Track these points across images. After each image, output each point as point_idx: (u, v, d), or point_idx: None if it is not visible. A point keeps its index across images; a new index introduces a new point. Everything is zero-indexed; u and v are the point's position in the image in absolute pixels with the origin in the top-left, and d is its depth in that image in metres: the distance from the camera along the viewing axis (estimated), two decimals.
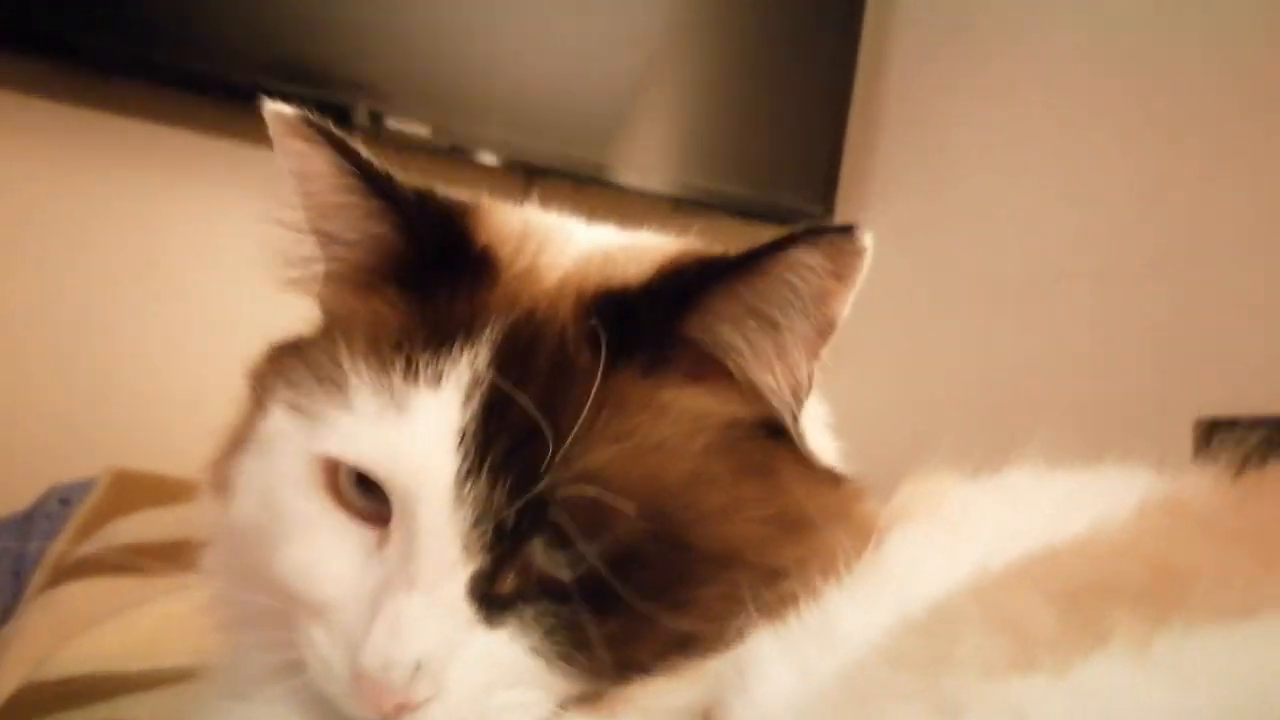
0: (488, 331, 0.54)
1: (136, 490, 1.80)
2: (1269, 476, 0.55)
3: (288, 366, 0.58)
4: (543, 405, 0.52)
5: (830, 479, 0.58)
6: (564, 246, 0.62)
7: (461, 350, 0.54)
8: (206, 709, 0.61)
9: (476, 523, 0.51)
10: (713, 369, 0.56)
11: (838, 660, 0.48)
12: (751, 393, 0.57)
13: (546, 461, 0.51)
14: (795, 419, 0.58)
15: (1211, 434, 1.42)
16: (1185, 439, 1.36)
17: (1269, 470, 0.55)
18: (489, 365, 0.53)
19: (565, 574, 0.51)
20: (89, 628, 1.24)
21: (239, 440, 0.60)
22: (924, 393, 2.00)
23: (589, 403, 0.52)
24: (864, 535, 0.55)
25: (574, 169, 2.31)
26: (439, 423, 0.52)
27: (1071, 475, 0.59)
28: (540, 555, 0.51)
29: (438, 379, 0.53)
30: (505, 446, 0.51)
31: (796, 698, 0.48)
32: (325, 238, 0.60)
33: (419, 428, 0.52)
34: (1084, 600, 0.44)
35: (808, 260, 0.54)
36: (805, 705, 0.48)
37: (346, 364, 0.54)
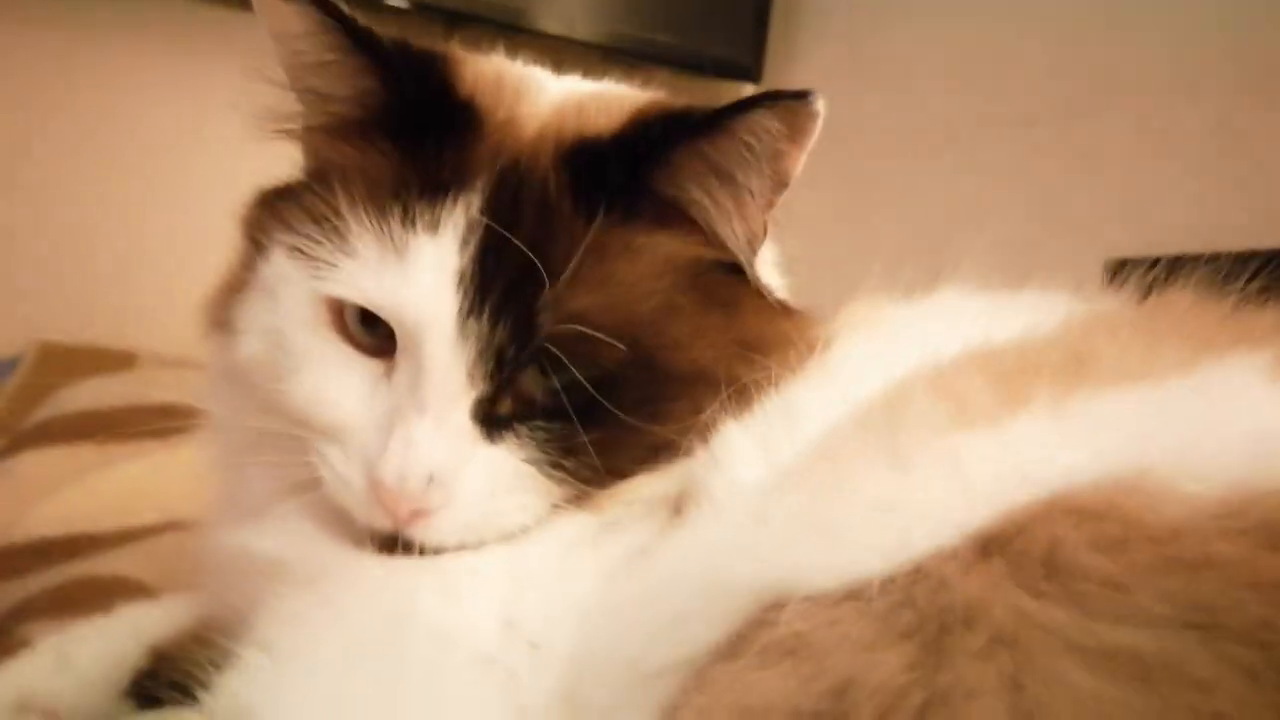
0: (479, 181, 0.59)
1: (68, 361, 1.80)
2: (1167, 298, 0.62)
3: (285, 212, 0.62)
4: (534, 249, 0.58)
5: (782, 309, 0.65)
6: (538, 95, 0.66)
7: (456, 198, 0.59)
8: (222, 533, 0.66)
9: (478, 356, 0.57)
10: (677, 216, 0.62)
11: (801, 435, 0.57)
12: (713, 239, 0.63)
13: (540, 301, 0.57)
14: (750, 264, 0.64)
15: (1119, 272, 1.50)
16: (1096, 278, 1.44)
17: (1168, 294, 0.62)
18: (482, 212, 0.58)
19: (554, 396, 0.58)
20: (54, 492, 1.27)
21: (237, 284, 0.65)
22: (853, 239, 2.06)
23: (574, 249, 0.58)
24: (814, 351, 0.62)
25: (495, 15, 2.27)
26: (438, 266, 0.57)
27: (998, 296, 0.65)
28: (532, 381, 0.58)
29: (435, 225, 0.58)
30: (501, 287, 0.57)
31: (764, 467, 0.57)
32: (311, 94, 0.64)
33: (420, 271, 0.57)
34: (1014, 377, 0.52)
35: (766, 123, 0.59)
36: (773, 473, 0.56)
37: (346, 211, 0.59)
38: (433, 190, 0.59)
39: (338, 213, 0.60)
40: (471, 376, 0.58)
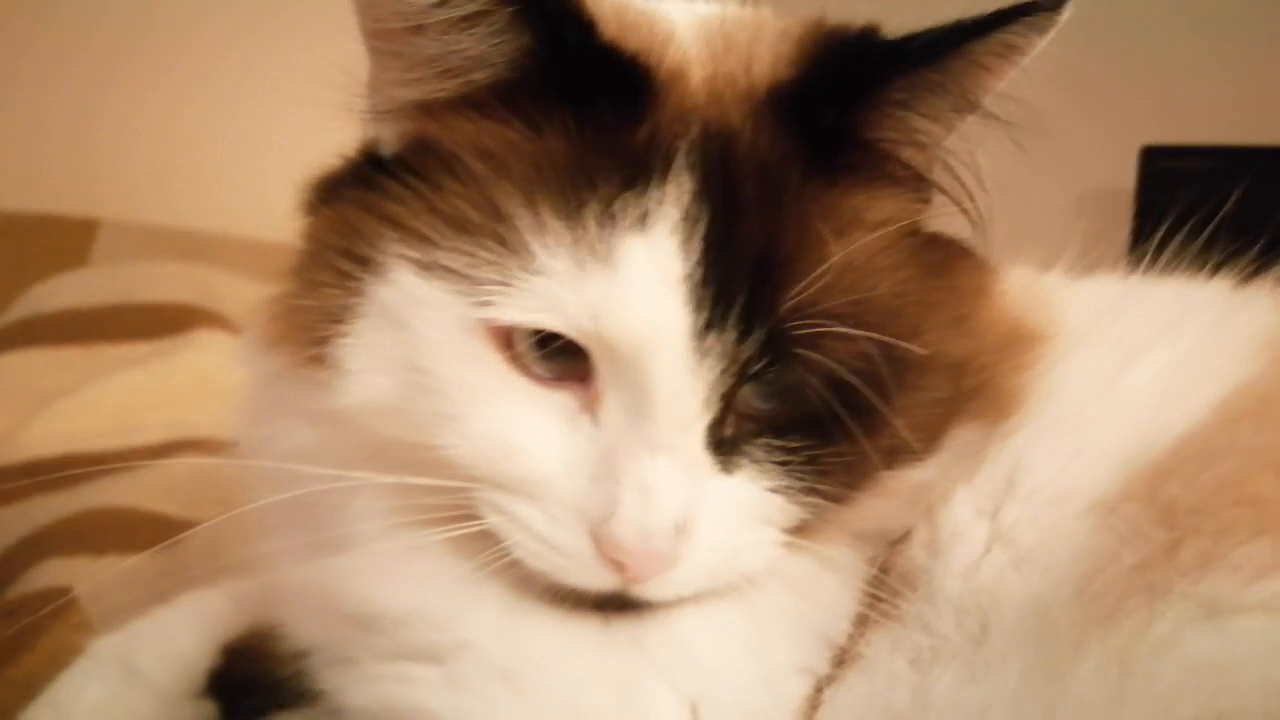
0: (680, 156, 0.48)
1: (24, 231, 1.69)
2: None
3: (398, 215, 0.50)
4: (768, 235, 0.48)
5: (979, 268, 0.55)
6: (671, 27, 0.54)
7: (661, 182, 0.47)
8: (310, 569, 0.55)
9: (719, 375, 0.48)
10: (892, 169, 0.52)
11: (1049, 527, 0.49)
12: (925, 192, 0.53)
13: (786, 298, 0.47)
14: (979, 221, 0.53)
15: (1154, 160, 1.45)
16: (1131, 164, 1.40)
17: None
18: (696, 198, 0.48)
19: (785, 408, 0.49)
20: (47, 406, 1.19)
21: (329, 312, 0.52)
22: None
23: (809, 226, 0.48)
24: (1018, 342, 0.54)
25: None
26: (658, 271, 0.47)
27: (1161, 287, 0.59)
28: (751, 393, 0.49)
29: (642, 220, 0.47)
30: (736, 288, 0.47)
31: (999, 567, 0.50)
32: (434, 61, 0.50)
33: (637, 280, 0.47)
34: None
35: (1019, 41, 0.49)
36: (1009, 571, 0.49)
37: (514, 212, 0.47)
38: (630, 174, 0.47)
39: (499, 214, 0.48)
40: (708, 400, 0.48)
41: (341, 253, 0.52)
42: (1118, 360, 0.54)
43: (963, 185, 0.52)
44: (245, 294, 1.44)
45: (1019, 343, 0.54)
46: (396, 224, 0.50)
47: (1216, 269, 0.62)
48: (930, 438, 0.51)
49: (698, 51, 0.53)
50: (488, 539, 0.50)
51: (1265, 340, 0.54)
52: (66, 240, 1.74)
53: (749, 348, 0.47)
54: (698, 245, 0.47)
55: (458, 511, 0.50)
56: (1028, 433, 0.53)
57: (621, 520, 0.47)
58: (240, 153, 2.09)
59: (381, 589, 0.52)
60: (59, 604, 0.83)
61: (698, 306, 0.47)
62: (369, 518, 0.53)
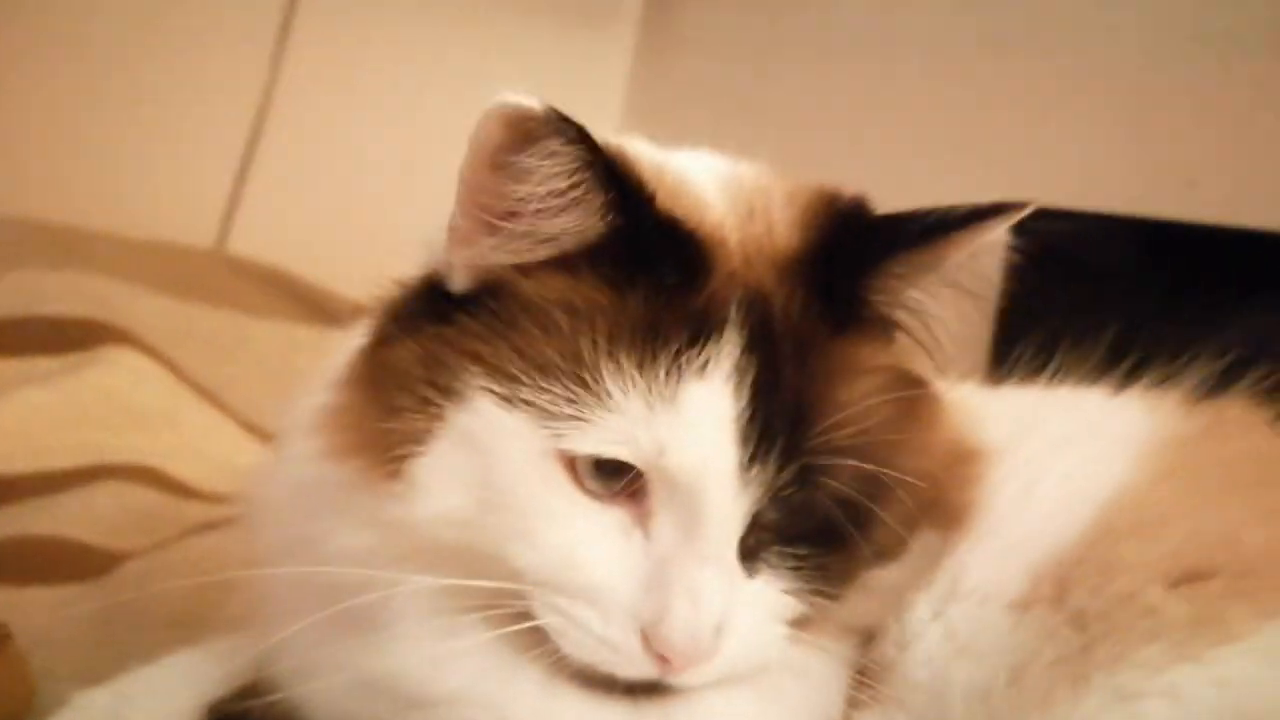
0: (731, 315, 0.56)
1: None
2: (1227, 414, 0.67)
3: (478, 350, 0.57)
4: (799, 383, 0.56)
5: (935, 399, 0.64)
6: (699, 191, 0.62)
7: (718, 337, 0.56)
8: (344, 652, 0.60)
9: (757, 500, 0.56)
10: (888, 324, 0.61)
11: (980, 622, 0.59)
12: (916, 348, 0.62)
13: (811, 437, 0.56)
14: (944, 372, 0.64)
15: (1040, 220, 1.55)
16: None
17: (1225, 406, 0.68)
18: (744, 351, 0.56)
19: (799, 524, 0.58)
20: None
21: (409, 433, 0.57)
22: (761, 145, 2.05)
23: (831, 376, 0.57)
24: (963, 460, 0.64)
25: None
26: (715, 413, 0.55)
27: (1055, 398, 0.71)
28: (771, 508, 0.57)
29: (703, 369, 0.55)
30: (774, 429, 0.55)
31: (947, 657, 0.59)
32: (527, 234, 0.57)
33: (698, 421, 0.55)
34: (1196, 590, 0.56)
35: (996, 238, 0.59)
36: (954, 660, 0.59)
37: (591, 358, 0.55)
38: (692, 332, 0.56)
39: (580, 360, 0.55)
40: (744, 520, 0.57)
41: (425, 382, 0.58)
42: (1027, 473, 0.65)
43: (937, 340, 0.63)
44: (148, 307, 1.44)
45: (962, 460, 0.65)
46: (479, 360, 0.57)
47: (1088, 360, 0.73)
48: (900, 543, 0.61)
49: (728, 216, 0.61)
50: (535, 633, 0.57)
51: (1138, 448, 0.64)
52: None
53: (784, 478, 0.56)
54: (746, 391, 0.56)
55: (510, 609, 0.57)
56: (969, 541, 0.63)
57: (673, 622, 0.55)
58: (130, 152, 2.04)
59: (429, 671, 0.59)
60: None
61: (744, 443, 0.55)
62: (413, 608, 0.59)
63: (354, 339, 0.63)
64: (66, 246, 1.67)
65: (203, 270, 1.82)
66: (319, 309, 1.91)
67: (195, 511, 1.09)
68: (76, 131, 2.01)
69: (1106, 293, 1.44)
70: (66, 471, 1.11)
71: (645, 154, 0.63)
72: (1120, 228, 1.53)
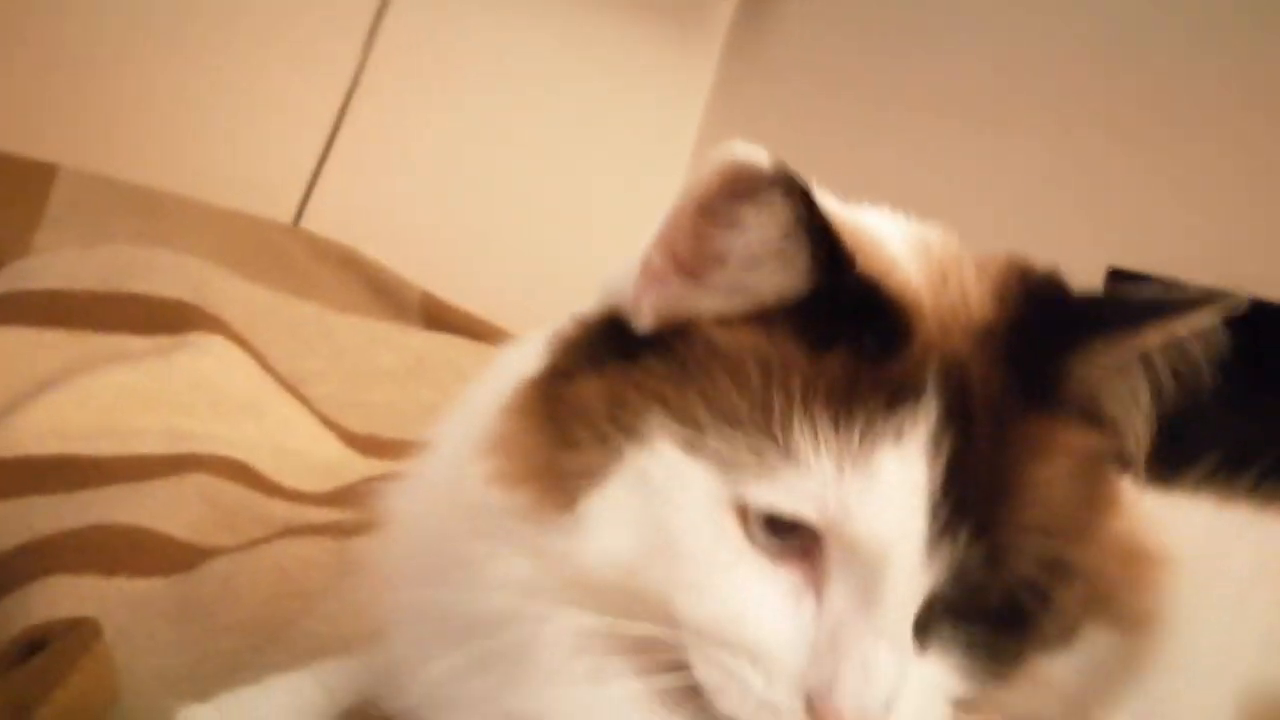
0: (929, 384, 0.55)
1: None
2: None
3: (664, 393, 0.56)
4: (993, 460, 0.55)
5: (1116, 485, 0.62)
6: (899, 258, 0.61)
7: (914, 406, 0.54)
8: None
9: (941, 576, 0.54)
10: (1086, 404, 0.59)
11: None
12: (1115, 433, 0.60)
13: (1002, 516, 0.54)
14: (1142, 464, 0.62)
15: (1120, 282, 1.54)
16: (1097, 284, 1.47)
17: None
18: (941, 421, 0.55)
19: (976, 601, 0.55)
20: (37, 395, 1.17)
21: (584, 468, 0.56)
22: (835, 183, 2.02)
23: (1025, 454, 0.55)
24: (1141, 560, 0.61)
25: None
26: (908, 482, 0.53)
27: (1242, 516, 0.68)
28: (954, 586, 0.55)
29: (899, 436, 0.54)
30: (967, 503, 0.54)
31: None
32: (728, 285, 0.56)
33: (891, 488, 0.53)
34: None
35: (1206, 327, 0.57)
36: None
37: (784, 414, 0.54)
38: (891, 396, 0.54)
39: (768, 413, 0.54)
40: (925, 594, 0.54)
41: (606, 418, 0.57)
42: (1226, 609, 0.62)
43: (1133, 430, 0.60)
44: (237, 293, 1.45)
45: (1139, 560, 0.62)
46: (665, 402, 0.56)
47: None
48: (1071, 632, 0.58)
49: (923, 282, 0.60)
50: (687, 686, 0.56)
51: None
52: (24, 182, 1.69)
53: (971, 556, 0.54)
54: (942, 462, 0.54)
55: (664, 658, 0.56)
56: (1165, 663, 0.60)
57: (843, 693, 0.53)
58: (208, 115, 2.06)
59: (576, 714, 0.57)
60: (87, 635, 0.83)
61: (935, 516, 0.53)
62: (561, 646, 0.57)
63: (521, 364, 0.62)
64: (148, 211, 1.69)
65: (281, 247, 1.82)
66: (388, 296, 1.92)
67: (280, 511, 1.08)
68: (167, 95, 2.03)
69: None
70: (154, 458, 1.10)
71: (837, 209, 0.62)
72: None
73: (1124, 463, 0.61)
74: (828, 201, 0.62)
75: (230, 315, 1.36)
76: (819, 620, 0.55)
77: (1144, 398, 0.59)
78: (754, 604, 0.55)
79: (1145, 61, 1.72)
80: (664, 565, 0.55)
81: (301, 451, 1.24)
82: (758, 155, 0.53)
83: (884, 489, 0.53)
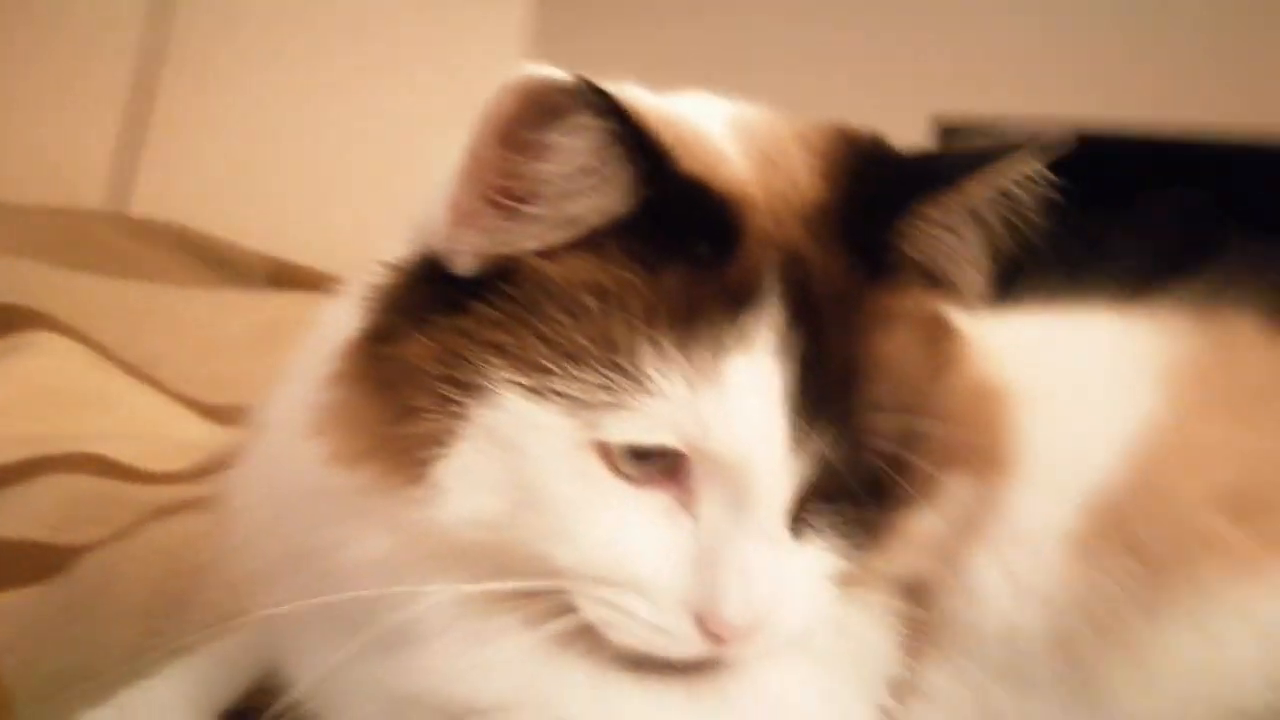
0: (769, 282, 0.53)
1: None
2: (1239, 331, 0.68)
3: (503, 343, 0.53)
4: (841, 347, 0.54)
5: (958, 337, 0.62)
6: (723, 147, 0.58)
7: (757, 308, 0.53)
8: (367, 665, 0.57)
9: (806, 470, 0.54)
10: (913, 268, 0.58)
11: (1043, 565, 0.60)
12: (950, 288, 0.60)
13: (856, 401, 0.54)
14: (975, 309, 0.62)
15: (948, 135, 1.57)
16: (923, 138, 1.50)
17: (1228, 319, 0.69)
18: (787, 319, 0.53)
19: (840, 482, 0.55)
20: None
21: (429, 435, 0.53)
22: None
23: (869, 334, 0.55)
24: (987, 400, 0.63)
25: None
26: (762, 389, 0.52)
27: (1063, 326, 0.71)
28: (819, 473, 0.54)
29: (745, 344, 0.52)
30: (825, 398, 0.53)
31: (1015, 604, 0.60)
32: (549, 216, 0.53)
33: (746, 398, 0.52)
34: (1257, 516, 0.57)
35: (1030, 172, 0.57)
36: (1023, 606, 0.59)
37: (627, 341, 0.52)
38: (729, 304, 0.52)
39: (614, 345, 0.52)
40: (793, 490, 0.54)
41: (443, 379, 0.53)
42: (1056, 409, 0.64)
43: (967, 280, 0.60)
44: (61, 285, 1.37)
45: (984, 402, 0.63)
46: (502, 351, 0.53)
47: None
48: (934, 488, 0.60)
49: (749, 169, 0.58)
50: (577, 626, 0.55)
51: (1160, 371, 0.65)
52: None
53: (832, 445, 0.54)
54: (793, 360, 0.53)
55: (548, 605, 0.55)
56: (1014, 485, 0.62)
57: (728, 603, 0.53)
58: (7, 116, 1.94)
59: (474, 681, 0.56)
60: None
61: (794, 415, 0.53)
62: (444, 617, 0.56)
63: (337, 326, 0.58)
64: None
65: (102, 234, 1.74)
66: (229, 266, 1.85)
67: (148, 495, 1.05)
68: None
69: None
70: (4, 467, 1.06)
71: (649, 104, 0.59)
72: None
73: (963, 306, 0.62)
74: (641, 97, 0.60)
75: (59, 309, 1.30)
76: (695, 537, 0.54)
77: (977, 250, 0.59)
78: (629, 536, 0.54)
79: None
80: (532, 518, 0.54)
81: (159, 434, 1.20)
82: (555, 73, 0.50)
83: (737, 400, 0.52)
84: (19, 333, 1.24)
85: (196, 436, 1.24)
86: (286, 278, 1.81)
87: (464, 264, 0.55)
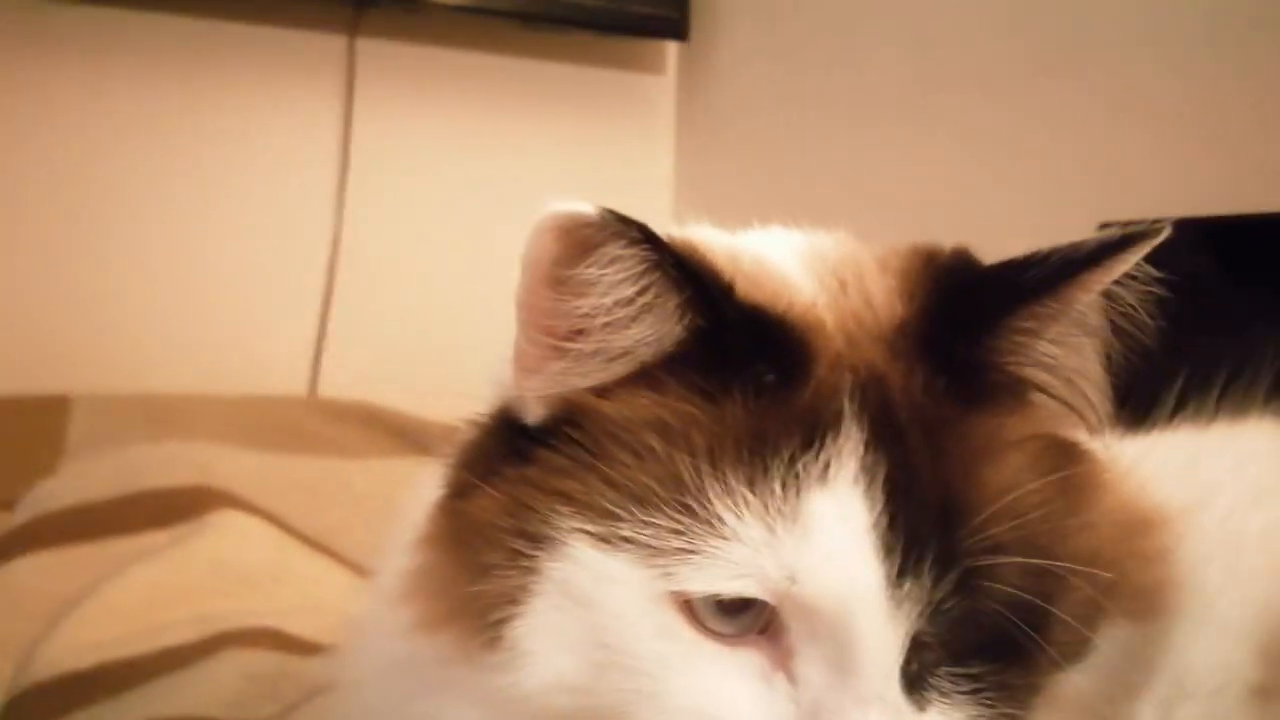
0: (845, 407, 0.50)
1: (3, 422, 1.68)
2: None
3: (569, 490, 0.50)
4: (938, 476, 0.49)
5: (1094, 462, 0.57)
6: (790, 275, 0.56)
7: (835, 436, 0.49)
8: None
9: (915, 621, 0.49)
10: (1019, 389, 0.54)
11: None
12: (1064, 403, 0.55)
13: (961, 536, 0.49)
14: (1102, 429, 0.56)
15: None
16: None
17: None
18: (869, 446, 0.49)
19: (966, 638, 0.50)
20: (68, 614, 1.18)
21: (503, 594, 0.51)
22: (816, 204, 2.01)
23: (969, 461, 0.50)
24: (1141, 530, 0.57)
25: None
26: (846, 525, 0.48)
27: (1220, 442, 0.63)
28: (936, 627, 0.50)
29: (824, 475, 0.48)
30: (922, 532, 0.49)
31: None
32: (597, 352, 0.52)
33: (826, 535, 0.48)
34: None
35: (1124, 263, 0.52)
36: None
37: (695, 481, 0.49)
38: (806, 431, 0.49)
39: (681, 484, 0.48)
40: (904, 644, 0.49)
41: (513, 533, 0.52)
42: (1225, 537, 0.57)
43: (1085, 396, 0.55)
44: (246, 465, 1.46)
45: (1137, 531, 0.57)
46: (569, 499, 0.51)
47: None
48: (1084, 640, 0.53)
49: (819, 294, 0.55)
50: None
51: None
52: (40, 419, 1.72)
53: (942, 589, 0.49)
54: (880, 493, 0.49)
55: None
56: (1181, 629, 0.55)
57: None
58: (197, 310, 2.11)
59: None
60: None
61: (888, 554, 0.48)
62: None
63: (428, 490, 0.58)
64: (164, 416, 1.72)
65: (298, 419, 1.84)
66: (414, 440, 1.92)
67: (318, 669, 1.07)
68: (163, 301, 2.08)
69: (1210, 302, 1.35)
70: (187, 647, 1.10)
71: (716, 241, 0.58)
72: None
73: (1089, 428, 0.56)
74: (705, 233, 0.59)
75: (241, 487, 1.37)
76: (796, 702, 0.49)
77: (1087, 360, 0.54)
78: (722, 700, 0.49)
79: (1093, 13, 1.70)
80: (616, 679, 0.50)
81: (337, 606, 1.22)
82: (579, 207, 0.49)
83: (822, 540, 0.48)
84: (206, 513, 1.31)
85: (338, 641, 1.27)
86: None
87: (532, 412, 0.54)
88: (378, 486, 1.50)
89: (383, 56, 2.23)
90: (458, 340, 2.26)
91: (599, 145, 2.43)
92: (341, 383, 2.13)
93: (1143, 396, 0.71)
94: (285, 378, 2.14)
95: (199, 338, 2.11)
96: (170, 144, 2.07)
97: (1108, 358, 0.56)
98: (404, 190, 2.25)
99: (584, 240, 0.50)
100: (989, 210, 1.70)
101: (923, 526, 0.49)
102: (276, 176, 2.17)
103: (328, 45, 2.19)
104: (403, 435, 1.93)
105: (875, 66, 2.00)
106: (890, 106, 1.97)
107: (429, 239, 2.26)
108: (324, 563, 1.34)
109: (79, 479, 1.39)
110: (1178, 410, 0.69)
